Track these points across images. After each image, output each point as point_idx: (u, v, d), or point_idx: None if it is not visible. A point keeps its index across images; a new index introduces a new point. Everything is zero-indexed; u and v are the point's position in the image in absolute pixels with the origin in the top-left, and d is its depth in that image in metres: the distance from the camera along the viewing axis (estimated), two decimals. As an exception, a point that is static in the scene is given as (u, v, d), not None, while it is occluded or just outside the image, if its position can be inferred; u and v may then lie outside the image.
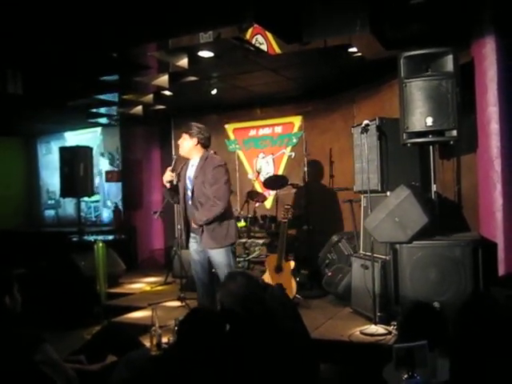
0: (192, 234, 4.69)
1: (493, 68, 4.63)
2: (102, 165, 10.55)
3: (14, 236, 9.64)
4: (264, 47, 5.32)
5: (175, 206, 6.41)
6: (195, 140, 4.60)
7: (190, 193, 4.61)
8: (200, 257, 4.67)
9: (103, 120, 9.49)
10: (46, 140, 11.78)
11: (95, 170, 9.38)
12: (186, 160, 4.74)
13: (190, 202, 4.63)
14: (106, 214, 10.64)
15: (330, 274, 5.95)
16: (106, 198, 10.65)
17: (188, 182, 4.65)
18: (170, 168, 4.64)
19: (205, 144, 4.67)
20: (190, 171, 4.65)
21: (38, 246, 8.75)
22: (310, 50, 5.42)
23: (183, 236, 4.77)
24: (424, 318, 3.30)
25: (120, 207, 9.86)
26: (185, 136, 4.63)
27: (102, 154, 10.63)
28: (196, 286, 4.79)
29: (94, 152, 9.00)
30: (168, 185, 4.66)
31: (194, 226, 4.60)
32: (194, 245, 4.70)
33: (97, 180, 10.39)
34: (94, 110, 8.52)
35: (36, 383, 2.51)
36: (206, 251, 4.61)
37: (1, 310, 2.65)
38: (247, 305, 2.77)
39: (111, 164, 10.50)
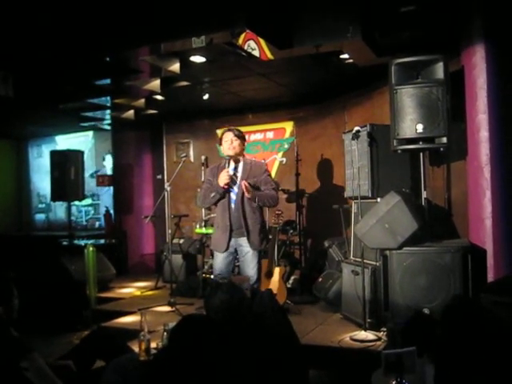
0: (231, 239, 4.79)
1: (482, 76, 4.66)
2: (107, 163, 10.49)
3: (3, 239, 9.57)
4: (256, 53, 5.34)
5: (166, 210, 6.39)
6: (245, 144, 4.89)
7: (234, 196, 4.74)
8: (230, 258, 4.85)
9: (95, 124, 9.47)
10: (37, 143, 11.71)
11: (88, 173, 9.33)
12: (219, 163, 4.92)
13: (233, 205, 4.75)
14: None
15: (320, 279, 5.95)
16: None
17: (233, 185, 4.77)
18: (227, 169, 4.69)
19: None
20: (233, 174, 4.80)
21: (27, 249, 8.69)
22: (301, 56, 5.46)
23: (222, 239, 4.78)
24: (420, 326, 3.32)
25: (111, 212, 9.82)
26: (237, 138, 4.79)
27: (109, 152, 10.53)
28: None
29: (87, 157, 8.97)
30: (226, 187, 4.71)
31: (239, 225, 4.73)
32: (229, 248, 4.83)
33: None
34: (86, 114, 8.50)
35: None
36: (239, 254, 4.81)
37: None
38: (231, 319, 2.76)
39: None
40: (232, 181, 4.73)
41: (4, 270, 2.94)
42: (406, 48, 5.01)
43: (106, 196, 10.55)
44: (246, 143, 4.93)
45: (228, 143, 4.78)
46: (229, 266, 4.87)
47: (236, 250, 4.82)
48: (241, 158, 4.86)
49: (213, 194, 4.76)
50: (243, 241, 4.74)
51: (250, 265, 4.72)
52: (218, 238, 4.86)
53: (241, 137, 4.82)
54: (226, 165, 4.74)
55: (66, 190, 8.23)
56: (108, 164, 10.46)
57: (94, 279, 6.43)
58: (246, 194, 4.61)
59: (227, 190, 4.75)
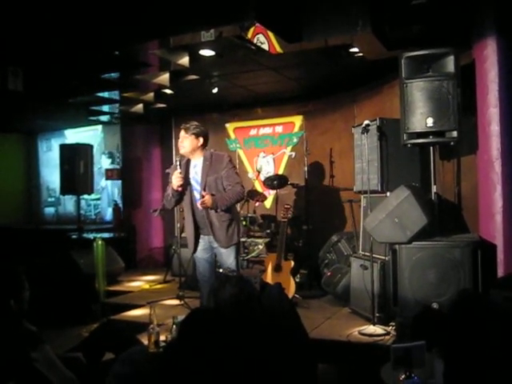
0: (201, 237, 4.60)
1: (494, 69, 4.63)
2: (104, 163, 10.56)
3: (13, 233, 9.63)
4: (265, 46, 5.33)
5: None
6: (201, 140, 4.51)
7: (198, 195, 4.48)
8: (208, 256, 4.62)
9: (104, 118, 9.50)
10: (46, 137, 11.78)
11: (96, 168, 9.42)
12: (181, 161, 4.59)
13: (198, 204, 4.46)
14: (110, 212, 10.58)
15: (329, 273, 5.95)
16: (109, 197, 10.62)
17: (194, 183, 4.53)
18: (178, 171, 4.43)
19: (207, 144, 4.61)
20: (194, 172, 4.55)
21: (37, 243, 8.75)
22: (311, 49, 5.43)
23: (190, 239, 4.62)
24: (429, 321, 3.31)
25: (120, 205, 9.86)
26: (187, 135, 4.48)
27: (104, 153, 10.63)
28: (200, 288, 4.71)
29: (96, 151, 9.03)
30: (180, 188, 4.47)
31: (204, 224, 4.51)
32: (201, 245, 4.61)
33: (101, 179, 10.37)
34: (95, 108, 8.53)
35: (30, 381, 2.52)
36: (215, 250, 4.59)
37: (5, 311, 2.65)
38: (240, 312, 2.76)
39: (112, 163, 10.48)
40: (186, 182, 4.50)
41: (15, 263, 2.94)
42: (417, 41, 4.97)
43: (105, 192, 10.64)
44: (202, 139, 4.51)
45: (179, 142, 4.56)
46: (211, 263, 4.66)
47: (212, 247, 4.60)
48: (199, 155, 4.55)
49: (169, 197, 4.57)
50: (213, 239, 4.53)
51: (226, 261, 4.51)
52: (188, 239, 4.68)
53: (194, 133, 4.47)
54: (178, 165, 4.49)
55: (75, 183, 8.25)
56: (105, 163, 10.53)
57: (102, 273, 6.47)
58: (208, 208, 4.38)
59: (183, 192, 4.53)
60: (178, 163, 4.51)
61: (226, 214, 4.49)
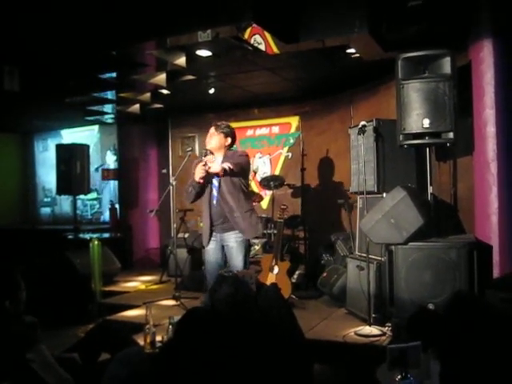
0: (213, 234, 4.69)
1: (490, 71, 4.64)
2: (109, 160, 10.53)
3: (9, 233, 9.60)
4: (262, 47, 5.32)
5: (171, 204, 6.39)
6: (229, 140, 4.68)
7: (215, 191, 4.60)
8: (218, 257, 4.70)
9: (101, 118, 9.48)
10: (42, 137, 11.75)
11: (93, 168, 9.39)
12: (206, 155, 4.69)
13: (214, 201, 4.61)
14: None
15: (325, 274, 5.95)
16: (111, 195, 10.58)
17: (214, 179, 4.63)
18: (202, 163, 4.50)
19: (233, 145, 4.79)
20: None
21: (33, 243, 8.73)
22: (308, 50, 5.43)
23: (205, 235, 4.72)
24: (425, 321, 3.32)
25: (116, 205, 9.84)
26: (216, 133, 4.64)
27: (109, 149, 10.57)
28: (207, 288, 4.70)
29: (92, 151, 9.00)
30: (202, 181, 4.53)
31: (219, 216, 4.61)
32: (212, 243, 4.71)
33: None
34: (92, 108, 8.51)
35: (25, 381, 2.51)
36: (225, 249, 4.66)
37: (1, 312, 2.64)
38: (237, 312, 2.75)
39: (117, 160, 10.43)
40: (208, 175, 4.54)
41: (11, 263, 2.94)
42: (413, 42, 4.98)
43: (107, 190, 10.59)
44: (230, 139, 4.67)
45: (207, 137, 4.73)
46: (220, 265, 4.70)
47: (223, 246, 4.69)
48: (222, 153, 4.67)
49: (190, 189, 4.65)
50: (227, 236, 4.63)
51: (236, 259, 4.59)
52: (203, 234, 4.80)
53: (224, 132, 4.64)
54: (202, 158, 4.58)
55: (71, 183, 8.25)
56: (110, 160, 10.50)
57: (99, 273, 6.46)
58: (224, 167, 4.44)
59: (204, 185, 4.60)
60: (202, 156, 4.62)
61: (244, 206, 4.62)
